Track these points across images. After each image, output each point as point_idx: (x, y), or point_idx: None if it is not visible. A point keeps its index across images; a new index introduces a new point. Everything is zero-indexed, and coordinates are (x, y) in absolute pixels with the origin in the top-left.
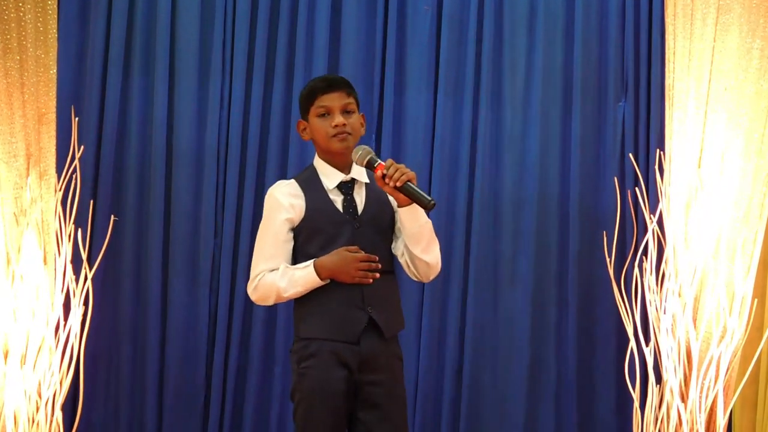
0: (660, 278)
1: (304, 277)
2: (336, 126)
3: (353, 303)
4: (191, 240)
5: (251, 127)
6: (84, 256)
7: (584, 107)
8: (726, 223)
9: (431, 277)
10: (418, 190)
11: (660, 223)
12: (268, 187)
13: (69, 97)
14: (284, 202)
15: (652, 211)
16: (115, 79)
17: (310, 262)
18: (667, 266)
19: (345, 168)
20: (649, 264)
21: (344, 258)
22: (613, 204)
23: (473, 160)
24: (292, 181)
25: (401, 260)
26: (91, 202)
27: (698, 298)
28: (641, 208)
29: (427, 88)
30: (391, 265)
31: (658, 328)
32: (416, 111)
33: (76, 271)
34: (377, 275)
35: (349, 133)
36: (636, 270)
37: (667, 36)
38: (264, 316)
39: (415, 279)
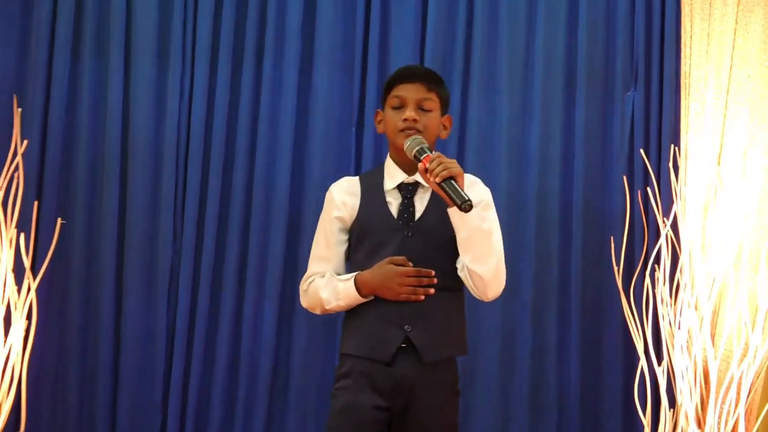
0: (674, 289)
1: (345, 291)
2: (406, 120)
3: (391, 319)
4: (148, 246)
5: (216, 120)
6: (27, 264)
7: (589, 97)
8: (748, 228)
9: (489, 295)
10: (456, 187)
11: (674, 227)
12: (234, 187)
13: (10, 86)
14: (337, 199)
15: (666, 213)
16: (62, 66)
17: (353, 275)
18: (682, 276)
19: (412, 169)
20: (662, 273)
21: (387, 272)
22: (622, 205)
23: (462, 157)
24: (356, 177)
25: (461, 275)
26: (36, 203)
27: (717, 311)
28: (653, 210)
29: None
30: (452, 282)
31: (672, 345)
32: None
33: (18, 281)
34: (430, 291)
35: (420, 131)
36: (647, 280)
37: (682, 17)
38: (230, 331)
39: (477, 297)
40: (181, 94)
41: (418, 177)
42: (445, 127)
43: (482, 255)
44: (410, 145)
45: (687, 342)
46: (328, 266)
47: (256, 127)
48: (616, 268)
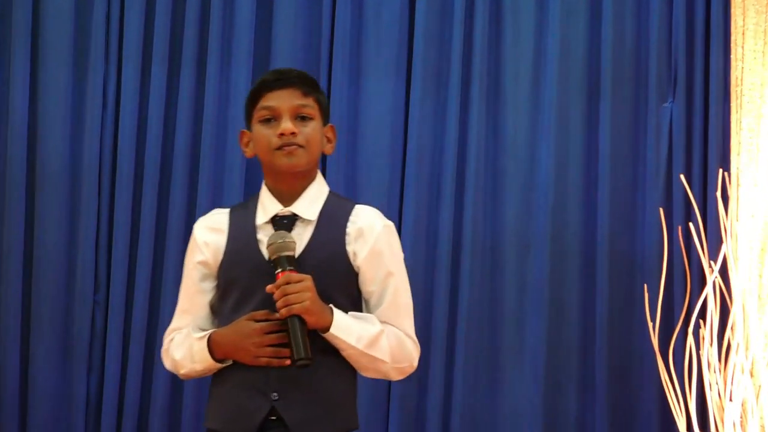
0: (724, 351)
1: (199, 353)
2: (282, 134)
3: (254, 385)
4: (62, 296)
5: (149, 136)
6: None
7: (616, 110)
8: None
9: (397, 379)
10: (297, 334)
11: (723, 272)
12: (173, 221)
13: None
14: (199, 239)
15: (713, 256)
16: None
17: (207, 333)
18: (733, 334)
19: (293, 197)
20: (709, 331)
21: (242, 330)
22: (658, 246)
23: (462, 182)
24: (227, 210)
25: None
26: None
27: None
28: (696, 251)
29: (395, 79)
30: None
31: (722, 421)
32: (379, 111)
33: None
34: (288, 360)
35: (301, 146)
36: (690, 339)
37: (732, 8)
38: (167, 403)
39: None
40: (104, 103)
41: (296, 207)
42: (329, 140)
43: (368, 369)
44: (271, 243)
45: (741, 417)
46: (189, 321)
47: (199, 145)
48: (650, 325)
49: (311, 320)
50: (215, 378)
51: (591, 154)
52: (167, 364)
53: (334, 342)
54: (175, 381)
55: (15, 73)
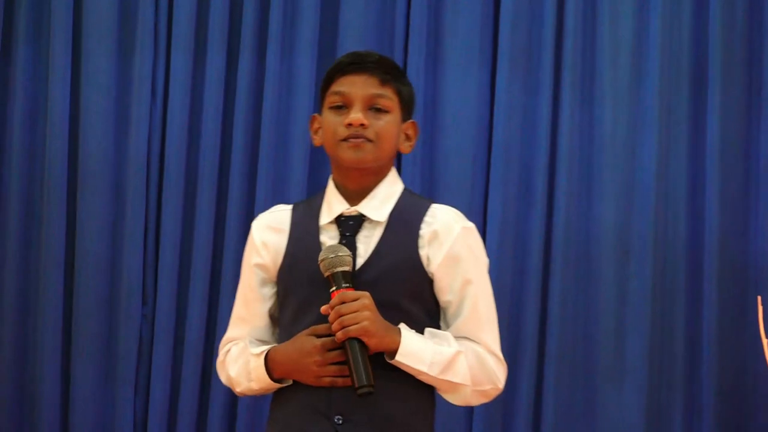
0: None
1: (256, 370)
2: (350, 124)
3: (316, 408)
4: (105, 310)
5: (204, 130)
6: None
7: (726, 99)
8: None
9: (478, 404)
10: (358, 359)
11: None
12: (230, 224)
13: None
14: (257, 240)
15: None
16: None
17: (265, 349)
18: None
19: (361, 195)
20: None
21: (302, 347)
22: None
23: (553, 181)
24: (289, 207)
25: None
26: None
27: None
28: None
29: (479, 66)
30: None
31: None
32: (461, 102)
33: None
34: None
35: (370, 140)
36: None
37: None
38: (221, 424)
39: None
40: (153, 95)
41: (363, 207)
42: (408, 137)
43: (448, 392)
44: (324, 258)
45: None
46: (245, 331)
47: (258, 140)
48: (765, 341)
49: (372, 342)
50: (275, 399)
51: (698, 149)
52: (223, 377)
53: (403, 368)
54: (232, 408)
55: (55, 63)
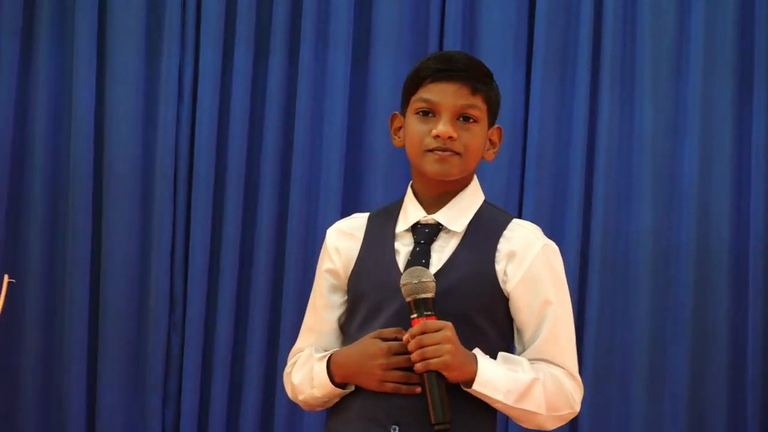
0: None
1: (318, 375)
2: (438, 136)
3: (374, 417)
4: (133, 317)
5: (233, 130)
6: None
7: None
8: None
9: (553, 428)
10: (436, 393)
11: None
12: (261, 228)
13: None
14: (330, 245)
15: None
16: (9, 55)
17: (328, 353)
18: None
19: (440, 203)
20: None
21: (366, 351)
22: None
23: (590, 184)
24: (366, 214)
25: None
26: None
27: None
28: None
29: (513, 65)
30: None
31: None
32: None
33: None
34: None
35: (458, 153)
36: None
37: None
38: None
39: None
40: (180, 95)
41: (441, 216)
42: (492, 144)
43: (520, 418)
44: (406, 283)
45: None
46: (314, 340)
47: (291, 143)
48: None
49: (452, 376)
50: (333, 410)
51: (742, 149)
52: (288, 389)
53: (478, 396)
54: (266, 416)
55: (79, 61)
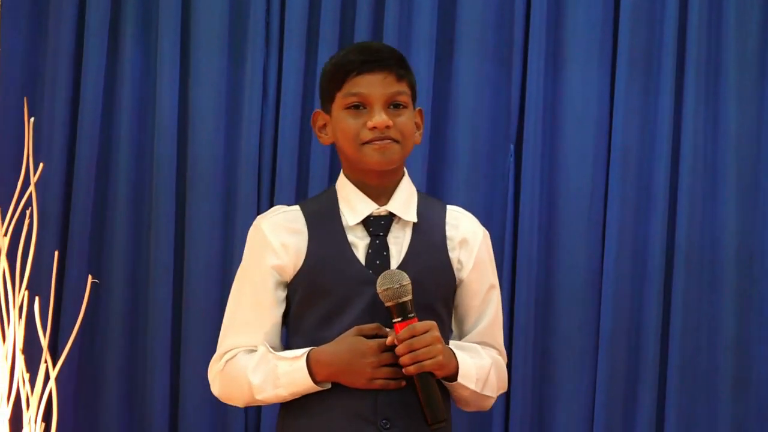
0: None
1: (290, 374)
2: (375, 127)
3: (361, 413)
4: (217, 316)
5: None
6: (44, 342)
7: None
8: None
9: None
10: (431, 393)
11: None
12: None
13: (16, 86)
14: (273, 241)
15: None
16: (95, 55)
17: (304, 352)
18: None
19: (382, 194)
20: None
21: (355, 348)
22: None
23: (675, 184)
24: (296, 207)
25: None
26: (56, 253)
27: None
28: None
29: (598, 65)
30: None
31: None
32: (580, 103)
33: (32, 367)
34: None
35: (396, 141)
36: None
37: None
38: None
39: None
40: (264, 94)
41: (393, 206)
42: (418, 127)
43: (470, 404)
44: (387, 288)
45: None
46: (256, 337)
47: None
48: None
49: (441, 373)
50: (295, 409)
51: None
52: (218, 388)
53: (455, 388)
54: None
55: (163, 61)
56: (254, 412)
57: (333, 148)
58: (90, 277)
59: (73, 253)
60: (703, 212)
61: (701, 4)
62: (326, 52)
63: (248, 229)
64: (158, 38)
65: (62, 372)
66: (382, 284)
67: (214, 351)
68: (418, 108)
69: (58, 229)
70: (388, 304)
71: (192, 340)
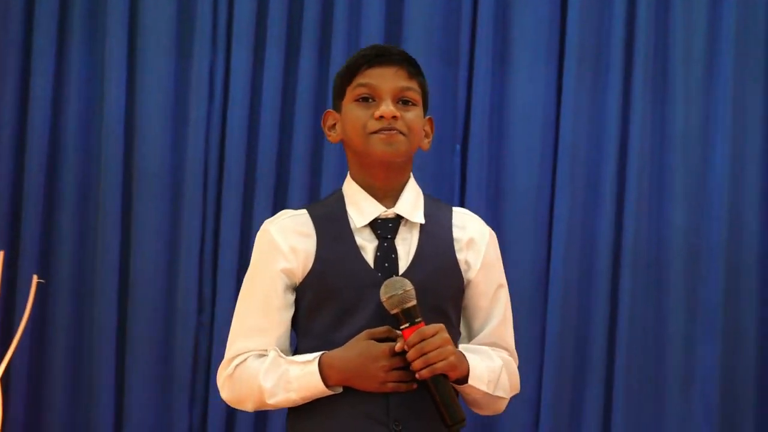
0: None
1: (302, 379)
2: (382, 117)
3: (373, 415)
4: (161, 317)
5: (263, 131)
6: None
7: None
8: None
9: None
10: (446, 396)
11: None
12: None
13: None
14: (282, 244)
15: None
16: (42, 56)
17: (315, 356)
18: None
19: (389, 195)
20: None
21: (367, 352)
22: None
23: (622, 184)
24: (303, 211)
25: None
26: (2, 253)
27: None
28: None
29: (546, 64)
30: None
31: None
32: (527, 102)
33: None
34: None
35: (403, 133)
36: None
37: None
38: None
39: None
40: (211, 95)
41: (400, 208)
42: (427, 134)
43: (483, 408)
44: (393, 296)
45: None
46: (266, 341)
47: (322, 142)
48: None
49: (454, 375)
50: (304, 413)
51: None
52: (228, 392)
53: (467, 390)
54: None
55: (110, 62)
56: (200, 414)
57: (280, 147)
58: (35, 277)
59: (20, 253)
60: (650, 211)
61: (649, 4)
62: (274, 52)
63: (194, 229)
64: (105, 38)
65: (9, 371)
66: (385, 293)
67: (159, 349)
68: (429, 116)
69: (6, 229)
70: (393, 311)
71: (137, 339)
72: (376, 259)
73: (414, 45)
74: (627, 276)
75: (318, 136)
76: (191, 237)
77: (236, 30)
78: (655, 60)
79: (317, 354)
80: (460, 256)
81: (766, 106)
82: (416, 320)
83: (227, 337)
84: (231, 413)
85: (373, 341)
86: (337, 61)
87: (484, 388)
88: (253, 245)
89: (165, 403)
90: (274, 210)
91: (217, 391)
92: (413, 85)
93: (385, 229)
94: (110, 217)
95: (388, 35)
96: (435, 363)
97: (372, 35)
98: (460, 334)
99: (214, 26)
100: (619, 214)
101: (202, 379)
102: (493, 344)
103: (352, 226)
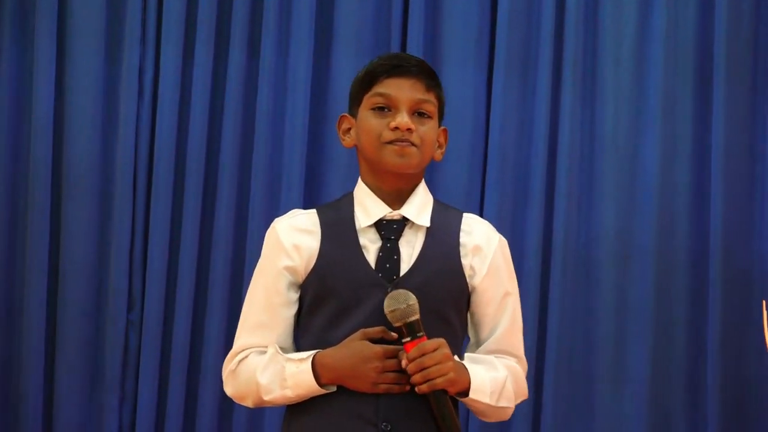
0: None
1: (296, 376)
2: (396, 128)
3: (363, 415)
4: (91, 315)
5: (192, 130)
6: None
7: (730, 99)
8: None
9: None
10: (444, 409)
11: None
12: (220, 227)
13: None
14: (286, 241)
15: None
16: None
17: (310, 354)
18: None
19: (397, 199)
20: None
21: (360, 353)
22: None
23: (552, 184)
24: (312, 210)
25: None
26: None
27: None
28: None
29: (475, 65)
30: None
31: None
32: (458, 102)
33: None
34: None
35: (415, 145)
36: None
37: None
38: None
39: None
40: (140, 93)
41: (406, 211)
42: (440, 145)
43: (489, 416)
44: (397, 310)
45: None
46: (268, 338)
47: (251, 142)
48: None
49: (454, 390)
50: (298, 411)
51: (702, 150)
52: (231, 388)
53: (469, 403)
54: (223, 415)
55: (38, 60)
56: (129, 413)
57: (209, 146)
58: None
59: None
60: (579, 211)
61: (578, 5)
62: (203, 51)
63: (123, 227)
64: (35, 37)
65: None
66: (389, 305)
67: (88, 348)
68: (443, 127)
69: None
70: (396, 324)
71: (67, 337)
72: (378, 259)
73: (344, 47)
74: (557, 276)
75: (247, 134)
76: (121, 235)
77: (165, 29)
78: (585, 61)
79: (312, 352)
80: (465, 262)
81: (696, 107)
82: (418, 334)
83: (157, 334)
84: (161, 413)
85: (366, 342)
86: (267, 60)
87: (486, 400)
88: (181, 242)
89: (94, 403)
90: (204, 209)
91: (147, 390)
92: (430, 97)
93: (390, 230)
94: (39, 217)
95: (318, 36)
96: (434, 379)
97: (302, 36)
98: (465, 338)
99: (143, 25)
100: (549, 215)
101: (132, 377)
102: (500, 351)
103: (357, 226)
